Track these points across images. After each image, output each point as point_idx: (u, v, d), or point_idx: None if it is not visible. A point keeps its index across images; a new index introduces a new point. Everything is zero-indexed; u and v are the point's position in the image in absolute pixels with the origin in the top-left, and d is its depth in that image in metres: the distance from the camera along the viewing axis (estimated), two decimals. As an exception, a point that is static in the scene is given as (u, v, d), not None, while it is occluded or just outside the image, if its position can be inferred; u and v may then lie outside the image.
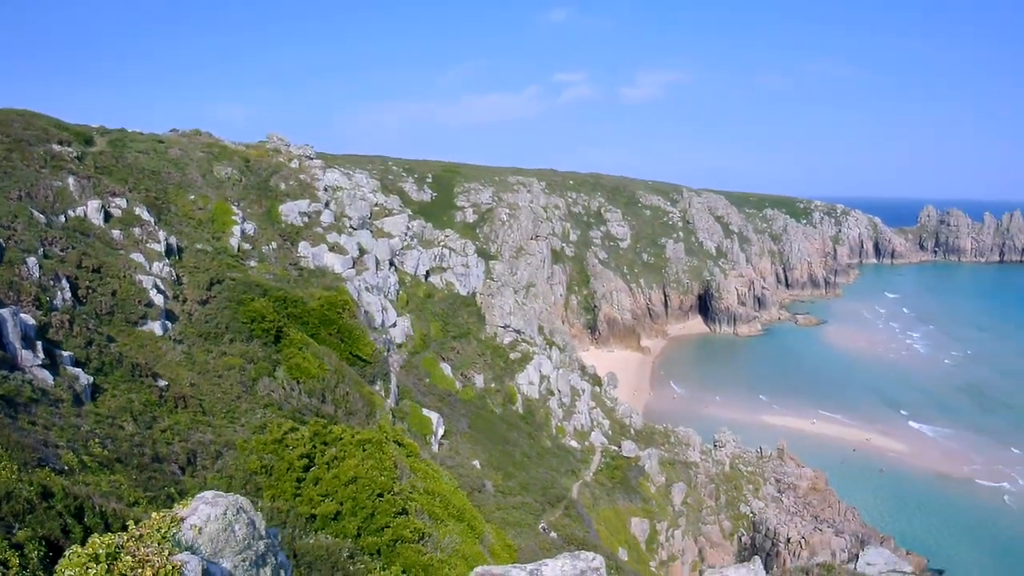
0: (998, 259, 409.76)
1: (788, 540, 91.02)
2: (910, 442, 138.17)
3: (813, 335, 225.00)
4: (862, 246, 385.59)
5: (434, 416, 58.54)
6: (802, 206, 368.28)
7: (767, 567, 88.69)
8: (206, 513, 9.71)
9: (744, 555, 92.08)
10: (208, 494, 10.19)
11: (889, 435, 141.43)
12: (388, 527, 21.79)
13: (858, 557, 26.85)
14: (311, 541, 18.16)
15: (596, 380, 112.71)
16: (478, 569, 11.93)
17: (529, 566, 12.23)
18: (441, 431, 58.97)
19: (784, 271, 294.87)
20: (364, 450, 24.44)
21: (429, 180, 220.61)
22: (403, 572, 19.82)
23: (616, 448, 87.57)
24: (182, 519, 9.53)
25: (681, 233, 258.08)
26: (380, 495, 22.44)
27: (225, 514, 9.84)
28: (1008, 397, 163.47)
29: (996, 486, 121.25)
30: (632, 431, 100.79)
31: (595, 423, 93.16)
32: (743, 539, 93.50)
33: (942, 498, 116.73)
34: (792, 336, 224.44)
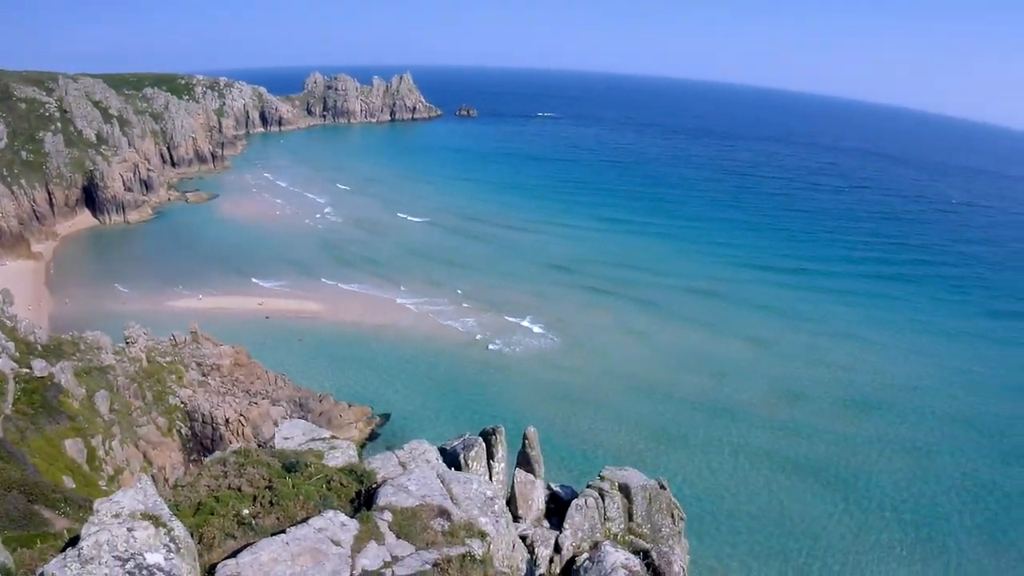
0: (389, 119, 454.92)
1: (227, 421, 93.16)
2: (318, 300, 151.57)
3: (204, 211, 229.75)
4: (248, 116, 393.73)
5: None
6: (183, 82, 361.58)
7: (211, 453, 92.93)
8: None
9: (189, 447, 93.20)
10: None
11: (295, 297, 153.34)
12: None
13: (275, 434, 26.07)
14: None
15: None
16: None
17: None
18: None
19: (169, 150, 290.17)
20: None
21: None
22: None
23: (28, 370, 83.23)
24: None
25: (59, 124, 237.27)
26: None
27: None
28: (365, 251, 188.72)
29: (389, 324, 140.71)
30: (39, 347, 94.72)
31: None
32: (183, 431, 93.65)
33: (358, 346, 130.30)
34: (184, 215, 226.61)
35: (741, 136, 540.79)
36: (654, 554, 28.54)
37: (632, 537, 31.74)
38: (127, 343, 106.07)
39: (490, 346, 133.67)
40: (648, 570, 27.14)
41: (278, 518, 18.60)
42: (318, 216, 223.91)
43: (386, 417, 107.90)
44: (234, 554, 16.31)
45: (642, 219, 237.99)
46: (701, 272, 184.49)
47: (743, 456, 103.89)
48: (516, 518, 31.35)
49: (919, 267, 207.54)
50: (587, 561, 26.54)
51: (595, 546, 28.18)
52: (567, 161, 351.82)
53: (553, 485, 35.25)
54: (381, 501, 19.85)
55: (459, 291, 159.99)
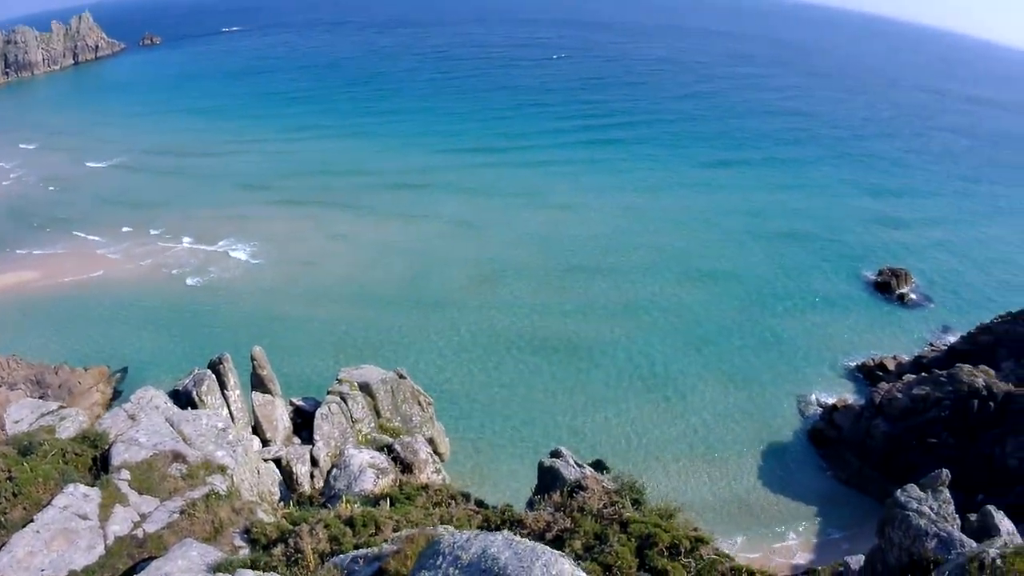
0: (72, 63, 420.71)
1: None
2: (25, 270, 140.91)
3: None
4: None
5: None
6: None
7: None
8: None
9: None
10: None
11: (9, 272, 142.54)
12: None
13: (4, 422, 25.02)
14: None
15: None
16: None
17: None
18: None
19: None
20: None
21: None
22: None
23: None
24: None
25: None
26: None
27: None
28: (57, 210, 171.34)
29: (98, 277, 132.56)
30: None
31: None
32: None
33: (76, 306, 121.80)
34: None
35: (435, 22, 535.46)
36: (398, 447, 30.64)
37: (376, 435, 34.00)
38: None
39: (191, 280, 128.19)
40: (396, 463, 29.56)
41: (25, 507, 18.62)
42: (5, 184, 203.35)
43: (124, 372, 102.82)
44: (-8, 560, 16.18)
45: (338, 122, 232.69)
46: (403, 166, 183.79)
47: (468, 335, 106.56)
48: (265, 442, 32.07)
49: (628, 129, 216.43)
50: (335, 469, 27.14)
51: (340, 453, 29.88)
52: (256, 73, 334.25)
53: (295, 400, 36.16)
54: (116, 460, 19.94)
55: (153, 231, 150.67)
